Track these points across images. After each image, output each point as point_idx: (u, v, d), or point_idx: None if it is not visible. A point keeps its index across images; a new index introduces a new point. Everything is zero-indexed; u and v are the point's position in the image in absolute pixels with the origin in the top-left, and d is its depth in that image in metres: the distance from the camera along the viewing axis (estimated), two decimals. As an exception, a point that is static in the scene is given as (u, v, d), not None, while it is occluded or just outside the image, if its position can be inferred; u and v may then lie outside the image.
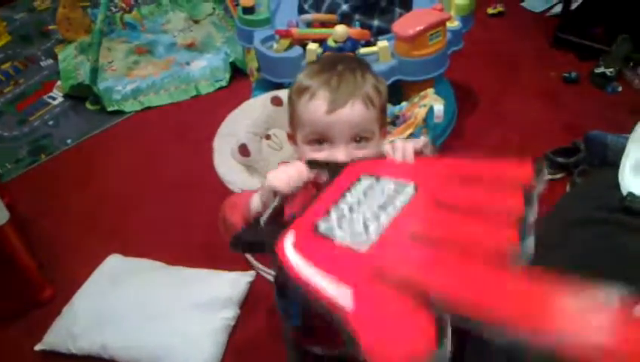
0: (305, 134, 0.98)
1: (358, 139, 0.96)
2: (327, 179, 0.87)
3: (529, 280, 0.62)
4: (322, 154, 0.96)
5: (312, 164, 0.93)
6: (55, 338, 1.76)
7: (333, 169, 0.89)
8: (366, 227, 0.72)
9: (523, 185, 0.70)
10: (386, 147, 0.95)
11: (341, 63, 0.99)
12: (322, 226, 0.74)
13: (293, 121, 1.02)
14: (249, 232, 0.87)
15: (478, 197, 0.71)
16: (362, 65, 1.01)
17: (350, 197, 0.79)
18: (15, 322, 1.90)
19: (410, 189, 0.76)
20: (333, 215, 0.76)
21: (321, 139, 0.97)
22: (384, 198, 0.76)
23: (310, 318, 1.10)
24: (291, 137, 1.07)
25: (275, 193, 0.90)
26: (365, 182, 0.82)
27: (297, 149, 1.04)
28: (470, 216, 0.70)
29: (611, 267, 1.42)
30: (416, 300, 0.60)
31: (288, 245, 0.72)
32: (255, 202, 0.97)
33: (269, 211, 0.85)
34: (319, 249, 0.71)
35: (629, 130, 1.80)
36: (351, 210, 0.76)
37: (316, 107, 0.94)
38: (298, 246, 0.71)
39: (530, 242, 0.66)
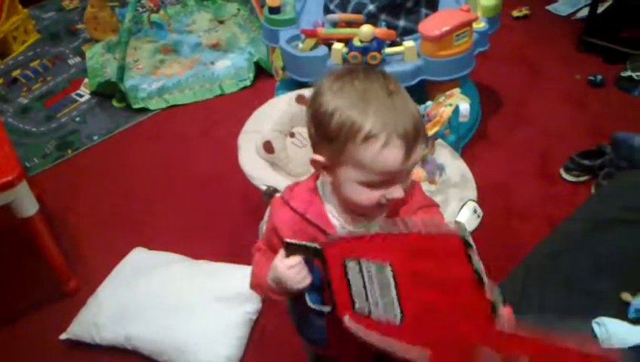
0: (362, 178, 0.89)
1: (410, 172, 0.94)
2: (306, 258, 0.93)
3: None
4: (377, 195, 0.91)
5: (291, 248, 0.93)
6: (80, 328, 1.79)
7: (313, 252, 0.91)
8: (388, 304, 0.82)
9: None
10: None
11: (380, 80, 0.88)
12: (357, 306, 0.86)
13: (339, 157, 0.89)
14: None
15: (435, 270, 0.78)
16: (394, 79, 0.91)
17: (354, 283, 0.87)
18: (41, 312, 1.94)
19: (389, 269, 0.83)
20: (357, 298, 0.86)
21: (382, 183, 0.91)
22: (376, 279, 0.84)
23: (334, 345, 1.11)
24: (323, 166, 0.94)
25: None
26: (352, 266, 0.87)
27: (331, 178, 0.94)
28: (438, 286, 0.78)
29: (636, 267, 1.41)
30: None
31: (349, 321, 0.86)
32: (270, 283, 0.99)
33: None
34: (366, 322, 0.85)
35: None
36: (365, 292, 0.85)
37: (392, 158, 0.86)
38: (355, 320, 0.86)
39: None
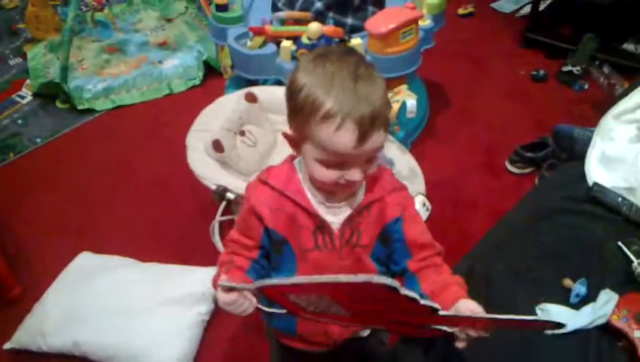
0: (320, 156, 0.93)
1: (371, 159, 0.95)
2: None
3: None
4: (335, 175, 0.94)
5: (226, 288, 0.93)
6: (25, 336, 1.73)
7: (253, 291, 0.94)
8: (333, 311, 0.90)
9: None
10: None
11: (351, 65, 0.90)
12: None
13: (302, 132, 0.94)
14: None
15: None
16: (369, 66, 0.92)
17: (299, 302, 0.91)
18: (-17, 321, 1.87)
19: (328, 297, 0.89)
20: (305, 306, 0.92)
21: (338, 163, 0.94)
22: (318, 302, 0.90)
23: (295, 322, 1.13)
24: (293, 142, 0.99)
25: None
26: (292, 297, 0.91)
27: (300, 155, 0.99)
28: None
29: (579, 255, 1.46)
30: None
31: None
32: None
33: None
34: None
35: (595, 125, 1.86)
36: (310, 305, 0.91)
37: (344, 141, 0.89)
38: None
39: None
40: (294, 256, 1.05)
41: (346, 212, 1.03)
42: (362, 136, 0.89)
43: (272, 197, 1.02)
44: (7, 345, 1.74)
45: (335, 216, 1.03)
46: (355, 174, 0.94)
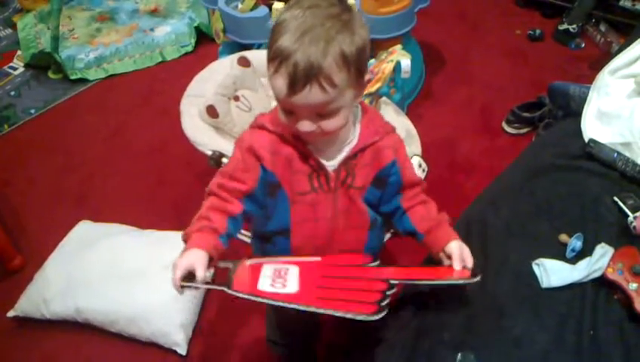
0: (275, 99, 0.96)
1: (322, 114, 0.94)
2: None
3: None
4: (290, 122, 0.96)
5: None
6: (28, 304, 1.74)
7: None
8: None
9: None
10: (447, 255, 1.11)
11: (322, 13, 0.89)
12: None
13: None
14: None
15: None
16: (338, 20, 0.90)
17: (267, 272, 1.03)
18: (-15, 291, 1.88)
19: (294, 267, 1.05)
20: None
21: (287, 110, 0.95)
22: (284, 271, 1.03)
23: None
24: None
25: None
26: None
27: None
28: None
29: (574, 211, 1.46)
30: None
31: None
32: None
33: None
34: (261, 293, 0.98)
35: (591, 83, 1.85)
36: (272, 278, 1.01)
37: (278, 86, 0.90)
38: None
39: None
40: (287, 200, 1.08)
41: (340, 155, 1.05)
42: (292, 86, 0.89)
43: (271, 140, 1.04)
44: (10, 313, 1.76)
45: (329, 160, 1.05)
46: (304, 125, 0.95)
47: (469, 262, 1.11)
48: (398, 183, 1.13)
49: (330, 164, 1.06)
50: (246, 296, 0.94)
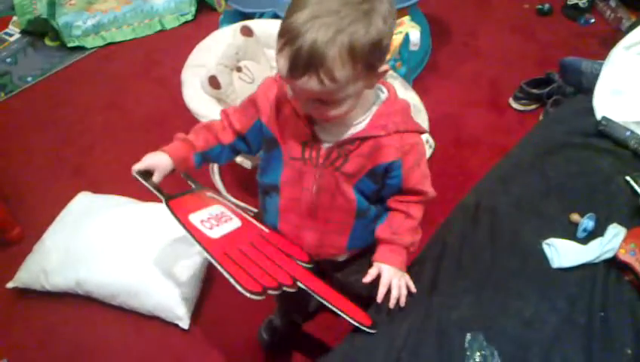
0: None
1: (323, 101, 0.91)
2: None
3: None
4: (294, 98, 0.96)
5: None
6: (28, 275, 1.72)
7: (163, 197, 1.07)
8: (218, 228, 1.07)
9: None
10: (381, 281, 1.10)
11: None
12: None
13: None
14: None
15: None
16: (356, 9, 0.84)
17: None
18: (-17, 262, 1.86)
19: (238, 221, 1.12)
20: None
21: (292, 89, 0.93)
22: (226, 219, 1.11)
23: None
24: None
25: None
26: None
27: None
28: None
29: (586, 190, 1.44)
30: None
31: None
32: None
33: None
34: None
35: (602, 59, 1.80)
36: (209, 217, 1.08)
37: (280, 65, 0.87)
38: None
39: None
40: (282, 160, 1.08)
41: (339, 135, 1.02)
42: (291, 71, 0.85)
43: (278, 95, 1.04)
44: (9, 284, 1.74)
45: (328, 135, 1.02)
46: (304, 107, 0.95)
47: (394, 294, 1.11)
48: (398, 186, 1.08)
49: (327, 140, 1.03)
50: (173, 217, 1.02)
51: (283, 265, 1.07)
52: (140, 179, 1.06)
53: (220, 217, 1.09)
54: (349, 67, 0.85)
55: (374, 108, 1.02)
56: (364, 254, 1.24)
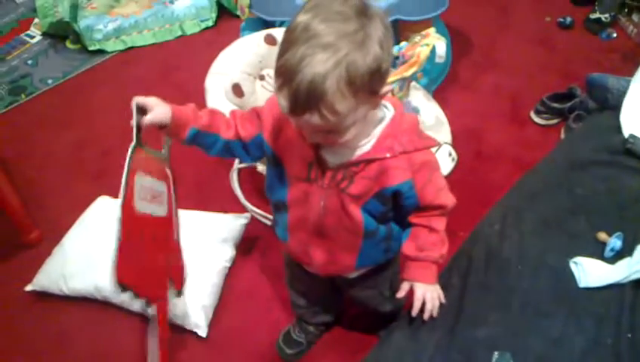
0: None
1: (328, 131, 0.90)
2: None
3: None
4: (298, 128, 0.96)
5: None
6: (47, 279, 1.72)
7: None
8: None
9: None
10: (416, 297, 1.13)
11: (329, 31, 0.81)
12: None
13: None
14: None
15: None
16: (351, 40, 0.82)
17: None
18: (2, 264, 1.86)
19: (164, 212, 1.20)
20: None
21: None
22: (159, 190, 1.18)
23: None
24: None
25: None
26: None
27: None
28: None
29: (613, 208, 1.43)
30: None
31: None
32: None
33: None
34: None
35: (626, 75, 1.79)
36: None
37: (281, 104, 0.86)
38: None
39: None
40: (287, 179, 1.08)
41: (344, 157, 1.00)
42: (293, 110, 0.84)
43: (283, 116, 0.97)
44: (28, 287, 1.74)
45: (333, 156, 1.01)
46: (310, 137, 0.94)
47: (428, 307, 1.14)
48: (416, 205, 1.07)
49: (332, 161, 1.01)
50: (127, 162, 1.10)
51: (159, 280, 1.17)
52: (134, 110, 1.08)
53: (155, 196, 1.14)
54: (350, 98, 0.84)
55: (379, 128, 1.00)
56: (378, 271, 1.23)
